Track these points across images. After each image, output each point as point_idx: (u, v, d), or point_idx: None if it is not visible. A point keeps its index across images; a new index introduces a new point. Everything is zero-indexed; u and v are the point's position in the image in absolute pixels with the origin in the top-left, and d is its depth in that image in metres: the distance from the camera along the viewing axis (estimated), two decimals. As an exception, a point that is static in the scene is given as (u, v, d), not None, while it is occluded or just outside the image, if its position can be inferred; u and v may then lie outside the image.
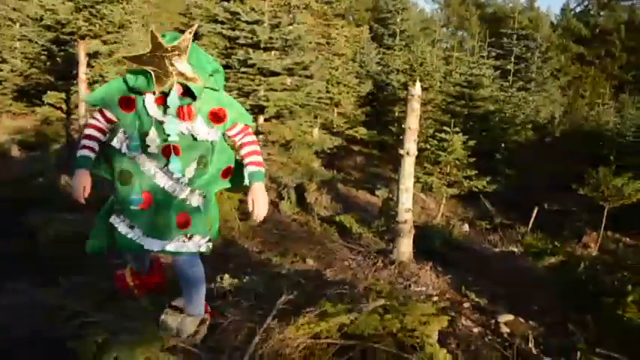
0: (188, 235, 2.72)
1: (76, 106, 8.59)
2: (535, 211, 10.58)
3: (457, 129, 11.11)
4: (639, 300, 4.80)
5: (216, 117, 2.56)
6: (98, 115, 2.62)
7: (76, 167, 2.60)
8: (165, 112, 2.49)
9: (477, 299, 5.00)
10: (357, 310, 3.05)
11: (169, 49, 2.32)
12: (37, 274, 3.73)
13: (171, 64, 2.35)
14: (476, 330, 4.26)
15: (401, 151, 5.85)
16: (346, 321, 2.94)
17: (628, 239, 10.50)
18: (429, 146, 11.17)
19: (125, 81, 2.50)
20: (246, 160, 2.68)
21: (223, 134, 2.68)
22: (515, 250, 8.33)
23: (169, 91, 2.43)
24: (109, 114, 2.59)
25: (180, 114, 2.49)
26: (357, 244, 6.85)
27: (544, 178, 12.60)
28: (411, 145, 5.79)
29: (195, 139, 2.56)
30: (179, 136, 2.53)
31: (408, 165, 5.83)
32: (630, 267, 6.13)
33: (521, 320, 4.60)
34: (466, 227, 10.36)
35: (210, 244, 2.80)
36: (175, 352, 2.68)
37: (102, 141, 2.65)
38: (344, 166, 14.42)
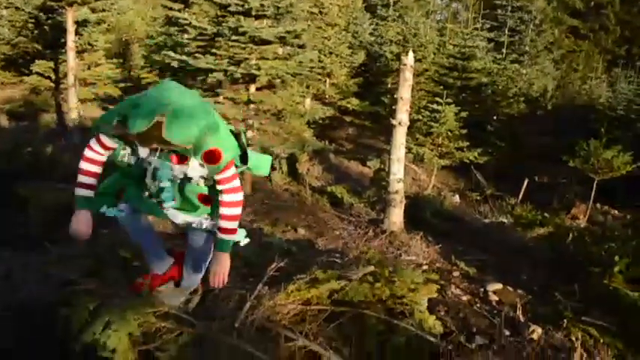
0: (208, 215, 2.71)
1: (65, 75, 8.47)
2: (525, 182, 10.63)
3: (449, 100, 11.08)
4: (625, 270, 4.87)
5: (211, 158, 2.38)
6: (97, 147, 2.48)
7: (76, 207, 2.53)
8: (158, 156, 2.43)
9: (466, 268, 5.05)
10: (348, 278, 3.06)
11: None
12: (26, 242, 3.71)
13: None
14: (465, 298, 4.31)
15: (393, 122, 5.84)
16: (336, 287, 2.96)
17: (616, 211, 10.59)
18: (421, 117, 11.13)
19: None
20: (218, 224, 2.58)
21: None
22: (505, 221, 8.39)
23: None
24: (108, 142, 2.45)
25: (172, 158, 2.43)
26: (349, 214, 6.88)
27: (535, 151, 12.63)
28: (402, 116, 5.78)
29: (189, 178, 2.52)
30: (170, 180, 2.51)
31: (400, 135, 5.83)
32: (617, 238, 6.19)
33: (510, 289, 4.66)
34: (457, 198, 10.40)
35: None
36: (167, 319, 2.69)
37: (99, 175, 2.57)
38: (336, 137, 14.38)
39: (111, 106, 11.59)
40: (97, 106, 11.59)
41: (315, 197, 7.79)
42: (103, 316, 2.55)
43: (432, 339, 3.04)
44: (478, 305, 4.23)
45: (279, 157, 8.89)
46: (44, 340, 2.69)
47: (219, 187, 2.50)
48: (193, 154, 2.36)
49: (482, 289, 4.57)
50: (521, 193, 10.54)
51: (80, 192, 2.52)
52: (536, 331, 3.76)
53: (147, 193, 2.64)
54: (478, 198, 10.66)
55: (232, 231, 2.59)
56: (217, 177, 2.48)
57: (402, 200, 6.09)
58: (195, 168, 2.47)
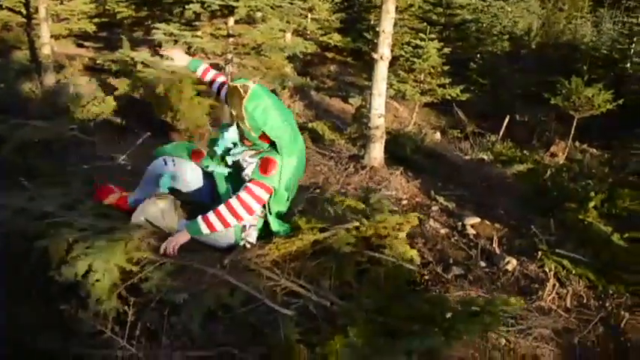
0: None
1: (37, 10, 8.16)
2: (506, 120, 10.65)
3: (432, 36, 10.92)
4: (600, 206, 4.95)
5: (265, 166, 2.79)
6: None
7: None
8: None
9: (445, 203, 5.11)
10: (332, 232, 3.05)
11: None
12: (2, 181, 3.65)
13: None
14: (443, 231, 4.38)
15: (374, 56, 5.75)
16: (320, 238, 2.98)
17: (594, 150, 10.69)
18: (403, 53, 10.99)
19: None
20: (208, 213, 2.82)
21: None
22: (485, 157, 8.44)
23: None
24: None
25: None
26: (330, 150, 6.87)
27: (517, 89, 12.60)
28: (384, 50, 5.69)
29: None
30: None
31: (381, 69, 5.75)
32: (594, 175, 6.28)
33: (487, 223, 4.74)
34: (438, 135, 10.42)
35: None
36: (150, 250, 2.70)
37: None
38: (317, 73, 14.18)
39: (85, 43, 11.18)
40: (71, 42, 11.25)
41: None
42: (82, 248, 2.54)
43: (410, 266, 3.09)
44: (456, 238, 4.31)
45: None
46: (23, 272, 2.68)
47: (247, 182, 2.84)
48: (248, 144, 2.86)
49: (460, 223, 4.64)
50: (502, 130, 10.58)
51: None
52: (511, 263, 3.85)
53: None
54: (459, 135, 10.68)
55: (211, 226, 2.80)
56: (254, 177, 2.81)
57: (382, 136, 6.07)
58: (248, 166, 2.87)
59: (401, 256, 3.07)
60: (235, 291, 2.48)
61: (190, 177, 3.05)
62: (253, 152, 2.90)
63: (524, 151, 9.25)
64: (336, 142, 7.70)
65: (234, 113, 2.75)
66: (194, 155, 3.07)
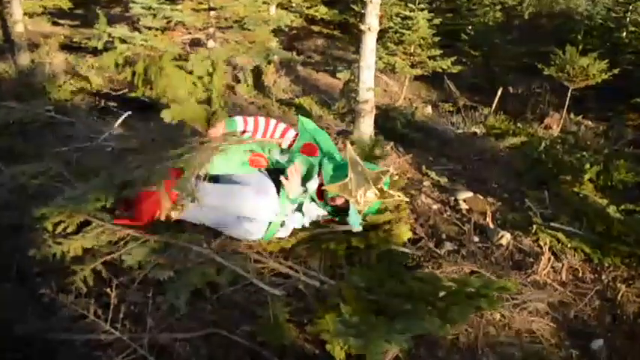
0: None
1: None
2: (499, 92, 10.66)
3: (422, 6, 10.86)
4: (595, 178, 4.98)
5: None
6: None
7: None
8: None
9: (437, 178, 5.10)
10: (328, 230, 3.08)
11: None
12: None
13: None
14: (435, 207, 4.38)
15: (362, 27, 5.69)
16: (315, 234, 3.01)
17: (589, 122, 10.74)
18: (392, 24, 10.92)
19: None
20: None
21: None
22: (478, 131, 8.46)
23: None
24: None
25: None
26: (317, 125, 6.83)
27: (510, 61, 12.59)
28: (372, 20, 5.63)
29: None
30: None
31: (370, 41, 5.70)
32: (589, 147, 6.31)
33: (480, 197, 4.74)
34: (429, 109, 10.41)
35: None
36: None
37: None
38: (304, 48, 14.09)
39: (61, 21, 11.00)
40: (46, 20, 11.10)
41: (282, 110, 7.70)
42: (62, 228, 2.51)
43: (403, 250, 3.11)
44: (448, 213, 4.32)
45: (243, 69, 8.71)
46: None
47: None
48: None
49: (452, 198, 4.64)
50: (495, 103, 10.59)
51: None
52: (505, 237, 3.87)
53: None
54: (451, 109, 10.68)
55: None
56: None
57: (372, 110, 6.04)
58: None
59: (390, 232, 3.09)
60: (222, 271, 2.47)
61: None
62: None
63: (518, 124, 9.28)
64: (324, 117, 7.67)
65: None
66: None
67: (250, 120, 3.27)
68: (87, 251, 2.44)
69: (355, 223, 2.96)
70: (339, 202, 3.04)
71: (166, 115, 3.19)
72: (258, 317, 2.41)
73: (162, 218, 2.85)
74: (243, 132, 3.25)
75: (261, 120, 3.29)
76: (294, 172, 3.00)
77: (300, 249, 2.94)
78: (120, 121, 4.82)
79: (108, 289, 2.24)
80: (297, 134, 3.30)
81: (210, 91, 3.68)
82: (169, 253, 2.50)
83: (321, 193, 3.10)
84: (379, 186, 2.95)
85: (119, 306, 2.25)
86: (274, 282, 2.53)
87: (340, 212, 3.10)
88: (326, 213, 3.18)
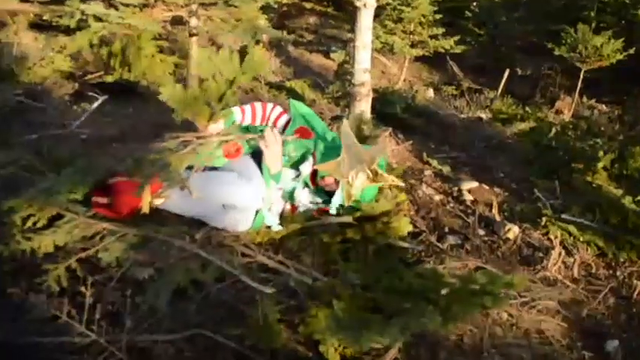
0: None
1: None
2: (506, 74, 10.64)
3: (423, -19, 10.81)
4: (610, 167, 4.99)
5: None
6: None
7: None
8: None
9: (439, 167, 5.11)
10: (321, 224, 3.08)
11: None
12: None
13: None
14: (437, 197, 4.39)
15: (357, 3, 5.66)
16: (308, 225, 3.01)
17: (603, 106, 10.72)
18: (390, 0, 10.86)
19: None
20: None
21: None
22: (483, 116, 8.45)
23: None
24: None
25: None
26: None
27: (518, 40, 12.56)
28: (369, -4, 5.60)
29: None
30: None
31: (365, 18, 5.66)
32: (603, 133, 6.31)
33: (486, 187, 4.76)
34: (431, 93, 10.39)
35: None
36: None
37: None
38: (295, 26, 14.01)
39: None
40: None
41: (272, 94, 7.67)
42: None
43: (404, 244, 3.10)
44: (451, 205, 4.33)
45: (230, 49, 8.63)
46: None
47: None
48: None
49: (456, 189, 4.66)
50: (501, 85, 10.58)
51: None
52: (513, 230, 3.88)
53: None
54: (454, 92, 10.66)
55: None
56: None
57: (368, 94, 6.01)
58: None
59: (388, 225, 3.09)
60: (207, 267, 2.46)
61: None
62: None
63: (526, 108, 9.26)
64: (317, 102, 7.64)
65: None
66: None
67: (247, 108, 3.28)
68: (60, 247, 2.43)
69: (335, 204, 3.04)
70: (329, 182, 3.14)
71: (167, 95, 3.08)
72: (246, 317, 2.40)
73: (146, 211, 2.83)
74: (241, 122, 3.27)
75: (258, 106, 3.31)
76: (273, 138, 3.02)
77: (291, 242, 2.94)
78: (95, 106, 4.80)
79: (83, 288, 2.23)
80: (289, 120, 3.30)
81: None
82: (149, 249, 2.49)
83: (315, 178, 3.13)
84: (373, 167, 2.97)
85: (95, 306, 2.24)
86: (264, 278, 2.52)
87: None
88: (320, 201, 3.19)
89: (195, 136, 2.87)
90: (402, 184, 3.33)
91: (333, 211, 3.07)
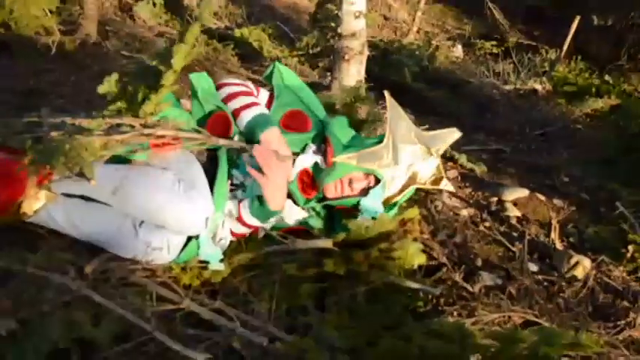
0: None
1: None
2: (574, 24, 10.73)
3: None
4: None
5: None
6: None
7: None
8: None
9: (469, 165, 5.12)
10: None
11: None
12: None
13: None
14: (465, 212, 4.38)
15: None
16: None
17: None
18: None
19: None
20: None
21: None
22: (539, 87, 8.49)
23: None
24: None
25: None
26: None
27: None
28: None
29: None
30: None
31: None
32: None
33: (541, 197, 4.76)
34: (458, 50, 10.45)
35: None
36: None
37: None
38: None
39: None
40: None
41: (212, 47, 7.67)
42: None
43: (413, 285, 3.10)
44: (487, 224, 4.33)
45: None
46: None
47: None
48: None
49: (494, 199, 4.66)
50: (567, 41, 10.66)
51: None
52: (582, 265, 3.89)
53: None
54: (495, 50, 10.73)
55: None
56: None
57: (362, 51, 6.04)
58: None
59: (398, 264, 3.09)
60: (102, 318, 2.44)
61: None
62: None
63: (606, 77, 9.33)
64: (284, 61, 7.65)
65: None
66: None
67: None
68: None
69: (369, 208, 3.11)
70: (359, 186, 3.21)
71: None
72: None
73: (29, 212, 2.83)
74: None
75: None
76: (274, 159, 2.94)
77: (238, 280, 2.92)
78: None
79: None
80: (271, 95, 3.29)
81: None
82: (10, 289, 2.46)
83: (308, 183, 3.14)
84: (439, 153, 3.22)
85: None
86: (193, 337, 2.50)
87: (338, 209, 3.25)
88: (306, 215, 3.19)
89: (142, 123, 2.80)
90: (453, 189, 3.41)
91: (366, 217, 3.11)
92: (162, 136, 2.76)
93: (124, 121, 2.63)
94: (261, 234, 3.19)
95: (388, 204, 3.14)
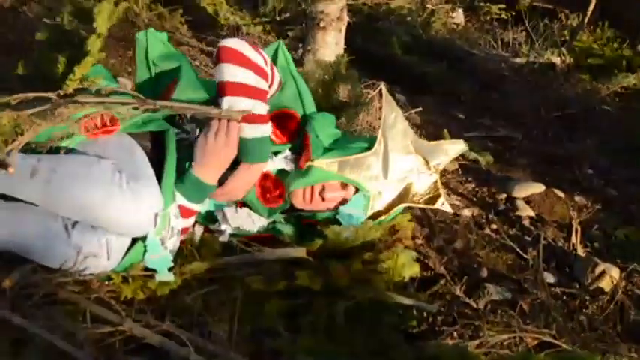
0: None
1: None
2: (600, -16, 10.80)
3: None
4: None
5: None
6: None
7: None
8: None
9: (472, 155, 5.15)
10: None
11: None
12: None
13: None
14: (467, 212, 4.42)
15: None
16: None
17: None
18: None
19: None
20: None
21: None
22: (557, 61, 8.54)
23: None
24: None
25: None
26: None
27: None
28: None
29: None
30: None
31: None
32: None
33: (559, 194, 4.81)
34: (460, 15, 10.49)
35: None
36: None
37: None
38: None
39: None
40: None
41: (157, 13, 7.67)
42: None
43: (405, 300, 3.13)
44: (494, 227, 4.37)
45: None
46: None
47: None
48: None
49: (503, 196, 4.70)
50: (592, 5, 10.73)
51: None
52: (609, 274, 3.93)
53: None
54: (504, 15, 10.77)
55: None
56: None
57: (341, 17, 6.07)
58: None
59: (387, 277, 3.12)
60: (25, 345, 2.46)
61: None
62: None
63: (638, 48, 9.39)
64: (245, 31, 7.67)
65: None
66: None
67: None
68: None
69: (348, 217, 3.18)
70: (334, 197, 3.25)
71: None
72: None
73: None
74: None
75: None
76: (227, 147, 2.94)
77: (192, 296, 2.93)
78: None
79: None
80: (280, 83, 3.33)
81: None
82: None
83: (271, 189, 3.19)
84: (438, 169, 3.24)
85: None
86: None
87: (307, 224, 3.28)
88: (266, 223, 3.23)
89: (59, 94, 2.79)
90: (450, 210, 3.45)
91: (345, 225, 3.17)
92: (94, 118, 2.78)
93: (38, 94, 2.60)
94: (222, 238, 3.22)
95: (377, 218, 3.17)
